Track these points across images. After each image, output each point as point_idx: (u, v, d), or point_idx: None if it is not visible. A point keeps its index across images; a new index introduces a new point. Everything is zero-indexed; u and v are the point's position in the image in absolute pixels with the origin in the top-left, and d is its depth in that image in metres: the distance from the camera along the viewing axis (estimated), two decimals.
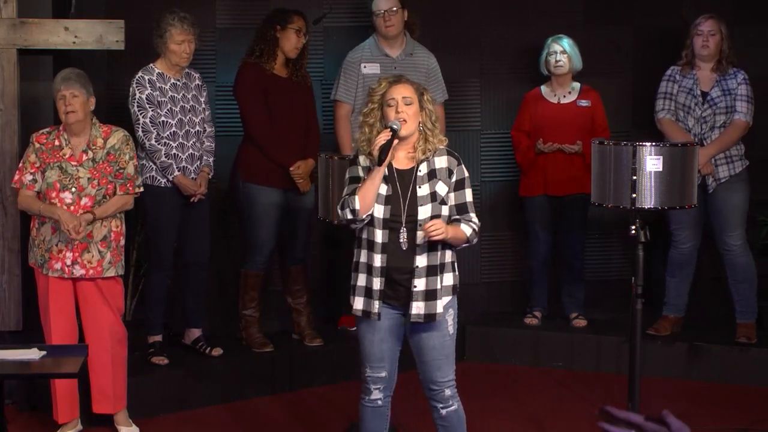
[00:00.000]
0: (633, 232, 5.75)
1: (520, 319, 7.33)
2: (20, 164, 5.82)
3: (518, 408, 6.43)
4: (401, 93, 4.75)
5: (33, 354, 4.70)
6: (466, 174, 4.81)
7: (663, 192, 5.74)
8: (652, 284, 6.53)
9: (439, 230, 4.62)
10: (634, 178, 5.71)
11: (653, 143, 5.78)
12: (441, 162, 4.77)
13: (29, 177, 5.74)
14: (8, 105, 6.18)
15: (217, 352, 6.61)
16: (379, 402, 4.93)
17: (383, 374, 4.88)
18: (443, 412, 4.90)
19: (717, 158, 6.78)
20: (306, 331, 6.87)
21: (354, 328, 7.07)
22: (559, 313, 7.32)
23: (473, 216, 4.80)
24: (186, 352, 6.64)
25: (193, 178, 6.41)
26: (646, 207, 5.74)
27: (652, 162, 5.71)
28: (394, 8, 6.83)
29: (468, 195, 4.80)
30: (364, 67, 6.88)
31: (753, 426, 6.11)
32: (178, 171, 6.33)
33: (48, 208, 5.69)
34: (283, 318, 7.09)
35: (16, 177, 5.80)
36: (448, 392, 4.88)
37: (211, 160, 6.52)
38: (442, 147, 4.80)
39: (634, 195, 5.72)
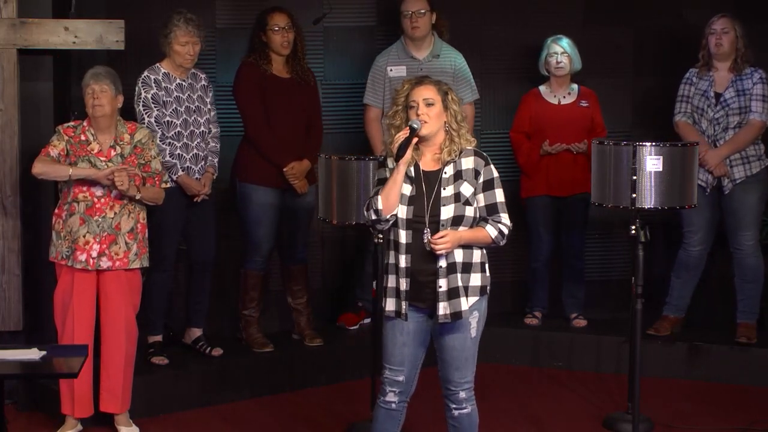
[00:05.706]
0: (633, 232, 5.76)
1: (520, 319, 7.33)
2: (45, 147, 5.80)
3: (518, 408, 6.43)
4: (422, 95, 4.75)
5: (33, 354, 4.69)
6: (495, 174, 4.77)
7: (663, 192, 5.74)
8: (652, 284, 6.52)
9: (441, 247, 4.65)
10: (634, 178, 5.72)
11: (653, 143, 5.79)
12: (468, 163, 4.76)
13: (55, 152, 5.75)
14: (8, 105, 6.17)
15: (217, 352, 6.61)
16: (393, 405, 4.93)
17: (400, 378, 4.89)
18: (455, 413, 4.92)
19: (732, 159, 6.73)
20: (306, 331, 6.88)
21: (353, 328, 7.16)
22: (559, 313, 7.32)
23: (503, 217, 4.76)
24: (186, 352, 6.64)
25: (197, 178, 6.41)
26: (646, 207, 5.75)
27: (652, 162, 5.72)
28: (423, 10, 6.82)
29: (498, 195, 4.76)
30: (390, 70, 6.86)
31: (753, 426, 6.11)
32: (182, 171, 6.33)
33: (80, 170, 5.66)
34: (283, 318, 7.10)
35: (42, 151, 5.76)
36: (462, 394, 4.88)
37: (216, 160, 6.52)
38: (469, 147, 4.79)
39: (634, 195, 5.73)
